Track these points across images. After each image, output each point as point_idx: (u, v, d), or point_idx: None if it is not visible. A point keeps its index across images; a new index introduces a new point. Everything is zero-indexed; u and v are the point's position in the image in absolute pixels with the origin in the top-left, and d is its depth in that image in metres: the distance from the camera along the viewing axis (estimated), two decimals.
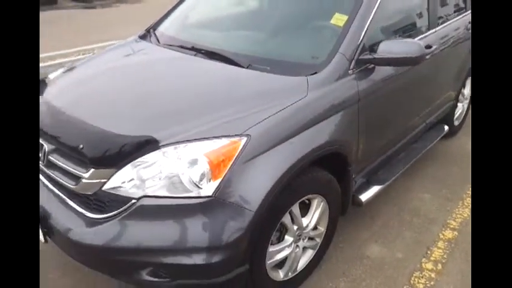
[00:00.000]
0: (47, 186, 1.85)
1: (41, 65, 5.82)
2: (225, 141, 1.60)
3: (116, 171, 1.60)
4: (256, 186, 1.62)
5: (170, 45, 2.38)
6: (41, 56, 6.04)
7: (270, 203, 1.64)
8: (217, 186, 1.56)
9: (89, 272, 1.95)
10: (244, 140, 1.61)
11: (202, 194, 1.56)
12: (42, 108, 1.92)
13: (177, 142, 1.60)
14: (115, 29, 8.37)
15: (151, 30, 2.73)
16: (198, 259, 1.57)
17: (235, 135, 1.62)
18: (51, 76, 2.32)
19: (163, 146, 1.60)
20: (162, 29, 2.69)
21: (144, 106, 1.82)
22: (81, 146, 1.64)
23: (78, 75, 2.26)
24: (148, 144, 1.60)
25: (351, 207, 2.33)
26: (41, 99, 2.00)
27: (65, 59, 6.10)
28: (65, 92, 2.05)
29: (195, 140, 1.60)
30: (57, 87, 2.14)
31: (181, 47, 2.31)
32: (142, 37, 2.67)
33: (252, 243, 1.65)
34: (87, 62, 2.42)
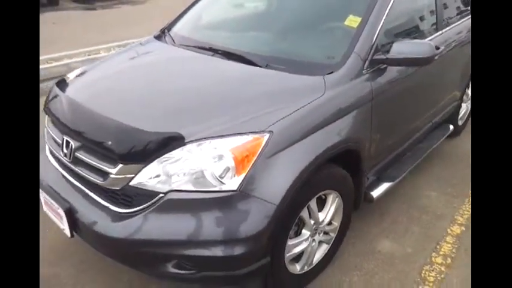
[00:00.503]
0: (72, 183, 1.91)
1: (46, 66, 5.88)
2: (248, 138, 1.67)
3: (143, 167, 1.66)
4: (278, 181, 1.68)
5: (187, 46, 2.45)
6: (46, 57, 6.10)
7: (291, 197, 1.71)
8: (242, 181, 1.63)
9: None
10: (267, 136, 1.68)
11: (228, 189, 1.62)
12: (67, 105, 1.98)
13: (202, 138, 1.66)
14: (118, 30, 8.43)
15: (166, 31, 2.79)
16: (223, 251, 1.63)
17: (259, 131, 1.68)
18: (71, 75, 2.37)
19: (189, 142, 1.66)
20: (177, 30, 2.75)
21: (168, 103, 1.89)
22: (109, 142, 1.70)
23: (100, 74, 2.32)
24: (174, 141, 1.66)
25: (362, 203, 2.40)
26: (64, 97, 2.06)
27: (71, 59, 6.15)
28: (89, 90, 2.11)
29: (220, 136, 1.66)
30: (80, 85, 2.20)
31: (199, 47, 2.37)
32: (158, 38, 2.73)
33: (274, 236, 1.72)
34: (106, 62, 2.48)
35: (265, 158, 1.67)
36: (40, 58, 5.99)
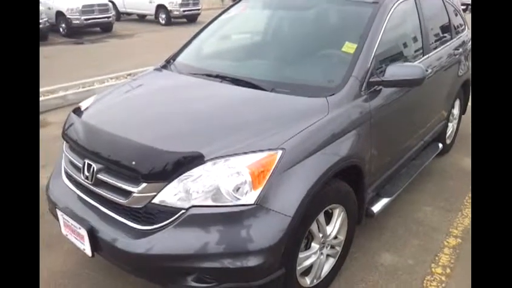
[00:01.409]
0: (91, 205, 2.00)
1: (43, 98, 5.94)
2: (263, 155, 1.80)
3: (165, 185, 1.77)
4: (291, 194, 1.81)
5: (194, 74, 2.60)
6: (42, 89, 6.18)
7: (303, 210, 1.83)
8: (259, 195, 1.75)
9: None
10: (280, 152, 1.81)
11: (246, 202, 1.74)
12: (87, 131, 2.09)
13: (220, 157, 1.78)
14: (109, 63, 8.61)
15: (171, 61, 2.95)
16: (242, 262, 1.72)
17: (272, 149, 1.82)
18: (84, 104, 2.49)
19: (208, 160, 1.78)
20: (182, 59, 2.92)
21: (185, 125, 2.02)
22: (133, 162, 1.80)
23: (114, 101, 2.45)
24: (194, 160, 1.78)
25: (364, 219, 2.52)
26: (83, 123, 2.18)
27: (67, 92, 6.24)
28: (107, 115, 2.23)
29: (237, 154, 1.79)
30: (97, 111, 2.32)
31: (206, 75, 2.53)
32: (164, 67, 2.88)
33: (288, 247, 1.82)
34: (118, 89, 2.61)
35: (279, 173, 1.79)
36: None
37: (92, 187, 1.97)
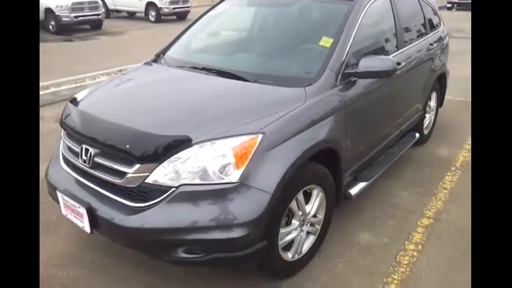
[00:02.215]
0: (88, 186, 2.18)
1: None
2: (245, 138, 1.99)
3: (157, 166, 1.95)
4: (271, 173, 2.00)
5: (182, 67, 2.78)
6: None
7: (282, 187, 2.02)
8: (241, 174, 1.94)
9: None
10: (260, 136, 2.01)
11: (230, 181, 1.93)
12: (84, 119, 2.27)
13: (207, 140, 1.97)
14: (100, 59, 8.73)
15: (161, 55, 3.13)
16: (228, 234, 1.91)
17: (253, 133, 2.01)
18: (80, 95, 2.65)
19: (195, 143, 1.97)
20: (171, 54, 3.10)
21: (174, 112, 2.20)
22: (127, 146, 1.98)
23: (109, 92, 2.62)
24: (182, 143, 1.97)
25: (342, 203, 2.73)
26: (81, 112, 2.36)
27: (59, 87, 6.36)
28: (103, 105, 2.41)
29: (221, 137, 1.98)
30: (93, 101, 2.49)
31: (194, 68, 2.71)
32: (154, 61, 3.06)
33: (269, 221, 2.02)
34: (111, 82, 2.77)
35: (260, 154, 1.99)
36: None
37: (89, 170, 2.15)
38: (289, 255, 2.34)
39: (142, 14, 16.71)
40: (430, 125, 4.40)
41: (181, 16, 16.92)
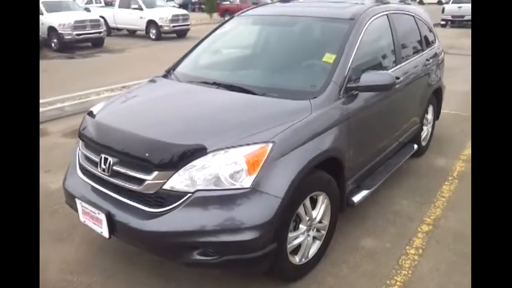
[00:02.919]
0: (106, 194, 2.30)
1: (42, 109, 6.19)
2: (257, 147, 2.13)
3: (174, 173, 2.08)
4: (281, 180, 2.14)
5: (192, 82, 2.94)
6: (40, 101, 6.45)
7: (291, 193, 2.15)
8: (253, 180, 2.07)
9: None
10: (270, 145, 2.15)
11: (242, 186, 2.06)
12: (103, 130, 2.41)
13: (220, 149, 2.11)
14: (103, 76, 8.91)
15: (171, 71, 3.29)
16: (240, 236, 2.03)
17: (264, 142, 2.15)
18: (95, 108, 2.79)
19: (210, 152, 2.10)
20: (180, 70, 3.26)
21: (190, 123, 2.34)
22: (147, 154, 2.12)
23: (124, 105, 2.77)
24: (198, 152, 2.10)
25: (345, 208, 2.85)
26: (99, 123, 2.50)
27: (64, 103, 6.52)
28: (121, 117, 2.55)
29: (234, 146, 2.12)
30: (111, 114, 2.62)
31: (204, 82, 2.87)
32: (164, 76, 3.22)
33: (279, 225, 2.14)
34: (125, 96, 2.92)
35: (270, 162, 2.12)
36: None
37: (108, 178, 2.27)
38: (296, 259, 2.45)
39: (143, 32, 17.01)
40: (428, 137, 4.56)
41: (181, 34, 17.23)
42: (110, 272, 2.62)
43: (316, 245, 2.61)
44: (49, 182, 3.93)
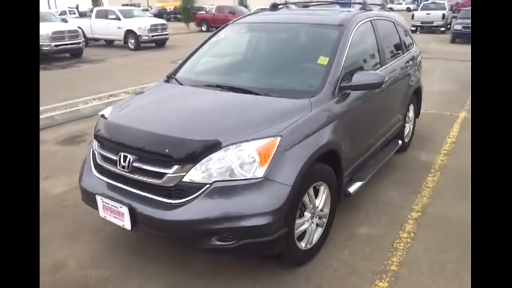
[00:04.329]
0: (127, 189, 2.46)
1: None
2: (267, 140, 2.34)
3: (192, 167, 2.27)
4: (290, 170, 2.35)
5: (196, 85, 3.13)
6: None
7: (298, 182, 2.37)
8: (265, 170, 2.28)
9: None
10: (279, 138, 2.37)
11: (256, 176, 2.27)
12: (121, 130, 2.57)
13: (234, 143, 2.31)
14: (87, 85, 8.94)
15: (172, 76, 3.47)
16: (255, 222, 2.23)
17: (273, 135, 2.37)
18: (106, 112, 2.93)
19: (224, 146, 2.30)
20: (181, 75, 3.45)
21: (203, 121, 2.53)
22: (166, 150, 2.30)
23: (136, 106, 2.94)
24: (213, 146, 2.29)
25: (342, 201, 3.09)
26: (114, 125, 2.65)
27: (54, 112, 6.54)
28: (136, 117, 2.71)
29: (247, 141, 2.32)
30: (125, 115, 2.78)
31: (208, 85, 3.07)
32: (167, 81, 3.40)
33: (288, 211, 2.35)
34: (133, 99, 3.10)
35: (279, 154, 2.34)
36: None
37: (128, 174, 2.43)
38: (302, 244, 2.67)
39: (121, 42, 17.02)
40: (410, 133, 4.89)
41: (160, 43, 17.35)
42: (125, 266, 2.76)
43: (319, 232, 2.83)
44: (50, 187, 4.02)
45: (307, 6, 4.94)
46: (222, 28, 3.91)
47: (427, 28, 21.42)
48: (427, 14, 21.41)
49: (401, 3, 65.04)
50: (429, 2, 23.44)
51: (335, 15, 3.53)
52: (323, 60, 3.03)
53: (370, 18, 3.74)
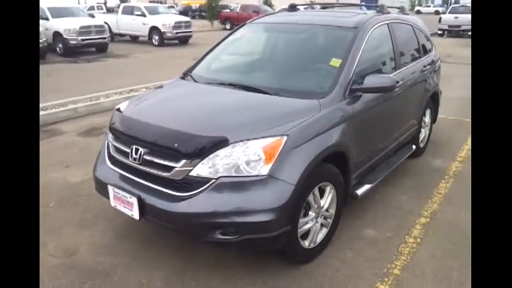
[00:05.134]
0: (137, 180, 2.55)
1: (55, 110, 6.46)
2: (273, 139, 2.39)
3: (200, 162, 2.34)
4: (294, 169, 2.39)
5: (211, 83, 3.21)
6: (52, 103, 6.72)
7: (303, 181, 2.41)
8: (270, 168, 2.33)
9: None
10: (285, 138, 2.41)
11: (261, 174, 2.32)
12: (134, 124, 2.66)
13: (241, 140, 2.37)
14: (110, 80, 9.16)
15: (187, 73, 3.56)
16: (258, 217, 2.29)
17: (279, 135, 2.41)
18: (121, 106, 3.04)
19: (231, 143, 2.36)
20: (197, 72, 3.53)
21: (213, 118, 2.61)
22: (176, 144, 2.38)
23: (151, 102, 3.04)
24: (221, 143, 2.36)
25: (349, 203, 3.10)
26: (128, 119, 2.75)
27: (76, 105, 6.76)
28: (150, 112, 2.81)
29: (253, 139, 2.38)
30: (139, 110, 2.89)
31: (221, 83, 3.14)
32: (183, 78, 3.49)
33: (291, 209, 2.39)
34: (149, 94, 3.21)
35: (285, 153, 2.38)
36: (47, 104, 6.62)
37: (139, 166, 2.52)
38: (306, 243, 2.70)
39: (146, 38, 17.33)
40: (426, 138, 4.84)
41: (183, 40, 17.57)
42: (134, 254, 2.86)
43: (323, 232, 2.86)
44: (69, 176, 4.18)
45: (326, 7, 4.95)
46: (239, 27, 3.97)
47: (454, 32, 20.95)
48: (455, 17, 20.94)
49: (429, 6, 63.76)
50: (458, 5, 22.94)
51: (351, 17, 3.54)
52: (335, 62, 3.06)
53: (387, 21, 3.73)
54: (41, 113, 6.25)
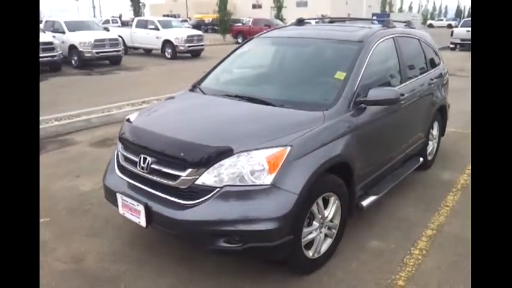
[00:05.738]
0: (145, 189, 2.62)
1: (69, 121, 6.62)
2: (277, 149, 2.45)
3: (205, 171, 2.40)
4: (298, 179, 2.44)
5: (217, 95, 3.29)
6: (67, 113, 6.89)
7: (306, 191, 2.45)
8: (273, 178, 2.38)
9: None
10: (289, 148, 2.46)
11: (264, 183, 2.37)
12: (142, 134, 2.75)
13: (245, 151, 2.43)
14: (122, 92, 9.35)
15: (196, 85, 3.65)
16: (261, 226, 2.33)
17: (283, 145, 2.47)
18: (131, 116, 3.14)
19: (236, 153, 2.42)
20: (205, 84, 3.62)
21: (219, 128, 2.68)
22: (182, 154, 2.45)
23: (159, 113, 3.13)
24: (226, 152, 2.42)
25: (354, 214, 3.12)
26: (137, 129, 2.84)
27: (89, 116, 6.92)
28: (158, 123, 2.90)
29: (257, 149, 2.44)
30: (149, 121, 2.98)
31: (227, 95, 3.22)
32: (192, 90, 3.58)
33: (295, 219, 2.43)
34: (159, 105, 3.30)
35: (288, 163, 2.43)
36: (61, 115, 6.79)
37: (146, 175, 2.60)
38: (310, 253, 2.73)
39: (159, 51, 17.66)
40: (434, 151, 4.83)
41: (195, 54, 17.85)
42: (141, 262, 2.92)
43: (328, 242, 2.88)
44: (80, 184, 4.28)
45: (335, 21, 5.04)
46: (247, 41, 4.07)
47: (466, 46, 20.87)
48: (467, 31, 20.85)
49: (442, 20, 63.69)
50: (470, 19, 22.87)
51: (357, 31, 3.60)
52: (340, 75, 3.11)
53: (393, 36, 3.79)
54: (55, 123, 6.43)
